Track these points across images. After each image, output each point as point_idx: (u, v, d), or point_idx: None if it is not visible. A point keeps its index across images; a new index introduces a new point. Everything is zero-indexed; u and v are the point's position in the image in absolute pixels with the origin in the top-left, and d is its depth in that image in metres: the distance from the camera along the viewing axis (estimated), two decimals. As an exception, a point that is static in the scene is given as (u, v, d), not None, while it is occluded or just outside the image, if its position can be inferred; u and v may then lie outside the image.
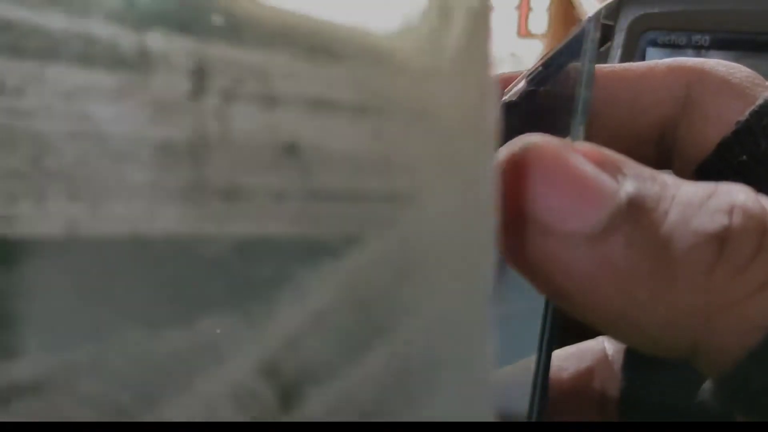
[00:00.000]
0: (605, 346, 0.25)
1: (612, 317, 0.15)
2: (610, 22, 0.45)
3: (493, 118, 0.13)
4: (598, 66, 0.22)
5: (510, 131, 0.23)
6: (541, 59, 0.22)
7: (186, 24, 0.11)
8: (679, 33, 0.44)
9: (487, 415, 0.13)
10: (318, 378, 0.11)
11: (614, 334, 0.17)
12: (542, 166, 0.15)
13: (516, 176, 0.15)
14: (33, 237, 0.10)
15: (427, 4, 0.12)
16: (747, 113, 0.21)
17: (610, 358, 0.25)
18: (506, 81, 0.24)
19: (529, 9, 1.84)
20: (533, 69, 0.22)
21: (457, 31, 0.12)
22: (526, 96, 0.23)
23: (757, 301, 0.15)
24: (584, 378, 0.25)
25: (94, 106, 0.10)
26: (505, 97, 0.24)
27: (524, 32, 1.85)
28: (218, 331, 0.11)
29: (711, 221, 0.15)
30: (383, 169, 0.12)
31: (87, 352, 0.10)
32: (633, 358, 0.23)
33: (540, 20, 1.84)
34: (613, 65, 0.23)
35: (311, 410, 0.11)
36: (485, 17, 0.12)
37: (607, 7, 0.46)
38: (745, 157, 0.20)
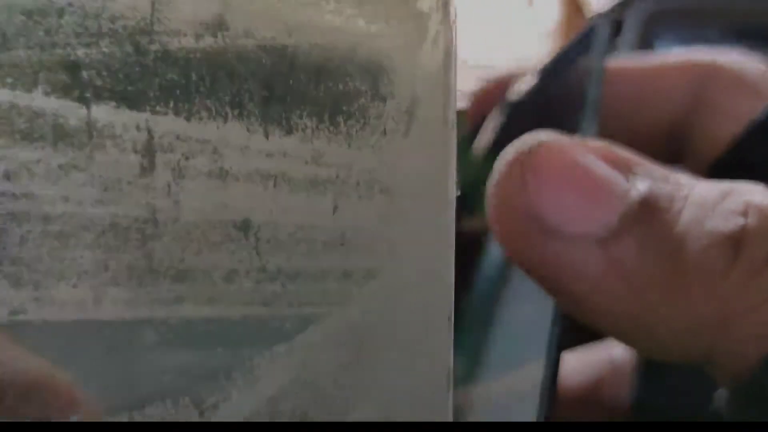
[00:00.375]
0: (612, 352, 0.25)
1: (623, 322, 0.15)
2: (620, 18, 0.45)
3: (452, 187, 0.12)
4: (609, 62, 0.21)
5: (518, 128, 0.23)
6: (550, 56, 0.22)
7: (134, 97, 0.10)
8: (691, 27, 0.43)
9: None
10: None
11: (625, 340, 0.16)
12: (551, 166, 0.15)
13: (525, 175, 0.14)
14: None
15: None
16: (761, 111, 0.20)
17: (617, 365, 0.25)
18: (512, 79, 0.24)
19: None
20: (543, 65, 0.22)
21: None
22: (534, 93, 0.22)
23: None
24: (592, 386, 0.24)
25: (39, 185, 0.10)
26: (513, 95, 0.24)
27: None
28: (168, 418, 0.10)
29: (726, 222, 0.15)
30: (339, 245, 0.11)
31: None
32: (645, 366, 0.23)
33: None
34: (624, 59, 0.23)
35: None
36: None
37: (620, 2, 0.45)
38: (759, 154, 0.20)
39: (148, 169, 0.10)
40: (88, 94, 0.10)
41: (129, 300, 0.10)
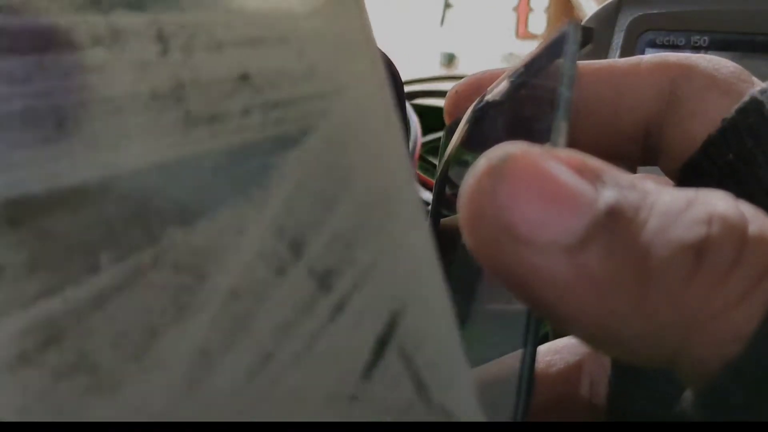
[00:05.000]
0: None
1: (590, 328, 0.15)
2: (591, 26, 0.46)
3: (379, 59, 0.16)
4: (583, 62, 0.22)
5: (493, 131, 0.23)
6: (524, 60, 0.22)
7: (139, 3, 0.15)
8: (677, 33, 0.44)
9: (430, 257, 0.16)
10: (310, 229, 0.15)
11: (593, 345, 0.17)
12: (520, 176, 0.15)
13: (495, 186, 0.15)
14: (69, 185, 0.14)
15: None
16: (733, 111, 0.20)
17: (598, 353, 0.25)
18: (489, 79, 0.24)
19: (530, 9, 1.84)
20: (516, 69, 0.22)
21: None
22: (508, 96, 0.22)
23: (736, 313, 0.15)
24: (573, 373, 0.25)
25: (90, 78, 0.14)
26: (488, 96, 0.24)
27: (522, 34, 1.85)
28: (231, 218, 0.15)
29: (689, 232, 0.15)
30: (310, 77, 0.16)
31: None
32: (618, 363, 0.23)
33: (538, 22, 1.83)
34: (598, 61, 0.23)
35: (313, 253, 0.15)
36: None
37: (606, 8, 0.46)
38: (731, 155, 0.20)
39: (165, 51, 0.15)
40: (105, 7, 0.14)
41: (178, 144, 0.14)
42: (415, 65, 0.97)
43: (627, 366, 0.22)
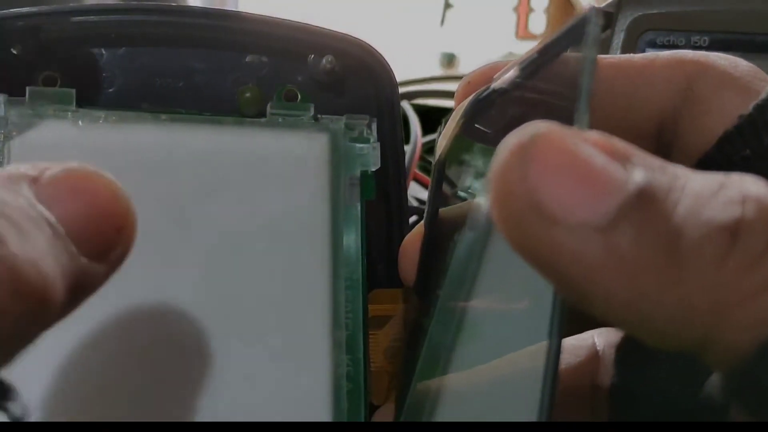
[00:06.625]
0: (595, 341, 0.26)
1: (620, 309, 0.15)
2: (611, 10, 0.46)
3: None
4: (599, 57, 0.22)
5: (501, 119, 0.23)
6: (537, 46, 0.21)
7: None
8: (678, 33, 0.44)
9: None
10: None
11: (622, 326, 0.17)
12: (552, 156, 0.15)
13: (525, 165, 0.15)
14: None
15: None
16: (751, 107, 0.20)
17: (600, 353, 0.25)
18: (496, 69, 0.24)
19: (530, 10, 1.80)
20: (527, 56, 0.22)
21: None
22: (518, 83, 0.22)
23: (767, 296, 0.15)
24: (575, 373, 0.25)
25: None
26: (495, 84, 0.24)
27: (522, 34, 1.81)
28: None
29: (723, 212, 0.15)
30: None
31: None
32: (626, 354, 0.23)
33: (538, 22, 1.79)
34: (613, 56, 0.23)
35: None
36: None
37: (607, 8, 0.46)
38: (747, 151, 0.20)
39: None
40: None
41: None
42: (415, 65, 0.96)
43: (634, 357, 0.22)
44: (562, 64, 0.20)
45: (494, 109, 0.24)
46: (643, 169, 0.15)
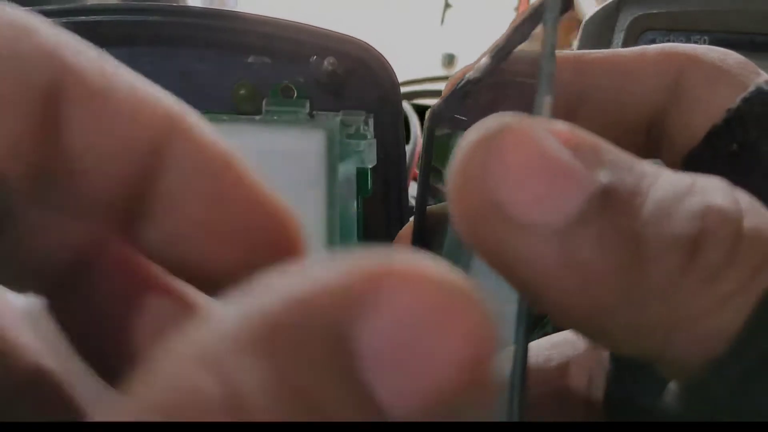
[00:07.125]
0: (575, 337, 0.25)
1: (576, 317, 0.15)
2: (592, 26, 0.46)
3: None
4: (588, 51, 0.22)
5: (474, 109, 0.23)
6: (504, 33, 0.21)
7: None
8: (678, 33, 0.44)
9: None
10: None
11: (579, 332, 0.16)
12: (515, 151, 0.14)
13: (486, 160, 0.14)
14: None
15: None
16: (738, 100, 0.20)
17: (595, 347, 0.24)
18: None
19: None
20: (496, 43, 0.21)
21: None
22: (488, 71, 0.22)
23: (724, 312, 0.14)
24: (571, 368, 0.24)
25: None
26: (469, 73, 0.23)
27: None
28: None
29: (684, 224, 0.14)
30: None
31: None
32: (611, 355, 0.23)
33: None
34: (602, 50, 0.22)
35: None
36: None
37: (606, 8, 0.46)
38: (735, 145, 0.20)
39: None
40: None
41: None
42: (415, 65, 0.96)
43: (625, 361, 0.22)
44: (530, 44, 0.19)
45: (470, 98, 0.24)
46: (609, 167, 0.14)
